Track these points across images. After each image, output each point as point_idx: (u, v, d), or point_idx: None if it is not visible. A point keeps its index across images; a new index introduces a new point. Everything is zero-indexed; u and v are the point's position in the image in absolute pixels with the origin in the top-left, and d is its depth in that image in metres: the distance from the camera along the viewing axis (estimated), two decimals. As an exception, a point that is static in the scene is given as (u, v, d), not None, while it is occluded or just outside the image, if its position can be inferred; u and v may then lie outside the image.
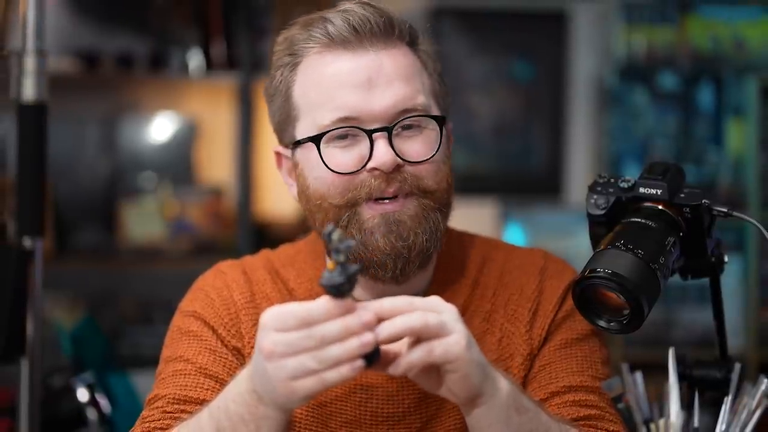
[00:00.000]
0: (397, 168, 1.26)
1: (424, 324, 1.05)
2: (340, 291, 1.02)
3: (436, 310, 1.07)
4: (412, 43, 1.33)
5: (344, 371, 1.02)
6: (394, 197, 1.27)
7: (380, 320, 1.05)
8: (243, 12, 3.46)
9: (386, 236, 1.26)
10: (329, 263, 1.02)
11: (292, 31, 1.33)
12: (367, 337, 1.02)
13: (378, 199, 1.27)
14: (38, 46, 1.89)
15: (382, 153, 1.25)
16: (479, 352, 1.10)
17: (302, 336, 1.02)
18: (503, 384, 1.13)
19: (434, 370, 1.09)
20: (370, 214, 1.27)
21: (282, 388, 1.04)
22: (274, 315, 1.05)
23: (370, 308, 1.04)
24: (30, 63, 1.88)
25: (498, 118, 3.67)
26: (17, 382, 1.88)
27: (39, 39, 1.90)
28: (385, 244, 1.26)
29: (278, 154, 1.39)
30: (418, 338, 1.06)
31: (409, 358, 1.06)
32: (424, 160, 1.28)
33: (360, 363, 1.03)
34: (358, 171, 1.27)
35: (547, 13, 3.65)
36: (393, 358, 1.07)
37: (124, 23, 3.54)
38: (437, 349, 1.05)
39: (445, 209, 1.32)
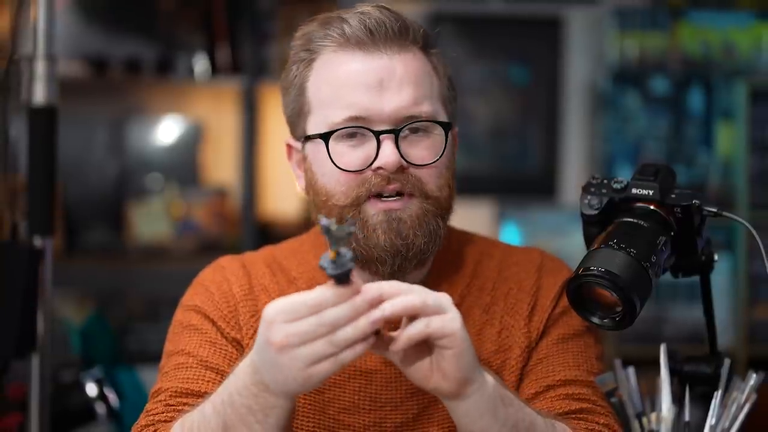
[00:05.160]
0: (401, 169, 1.28)
1: (423, 302, 1.07)
2: (347, 277, 1.04)
3: (433, 294, 1.09)
4: (425, 48, 1.33)
5: (358, 349, 1.04)
6: (397, 195, 1.28)
7: (382, 301, 1.06)
8: (247, 17, 3.46)
9: (387, 233, 1.27)
10: (330, 253, 1.04)
11: (310, 27, 1.34)
12: (376, 314, 1.04)
13: (381, 197, 1.28)
14: (48, 51, 1.91)
15: (388, 154, 1.27)
16: (469, 339, 1.10)
17: (315, 323, 1.03)
18: (489, 376, 1.14)
19: (426, 355, 1.10)
20: (374, 211, 1.28)
21: (300, 376, 1.05)
22: (281, 308, 1.05)
23: (372, 289, 1.06)
24: (40, 67, 1.89)
25: (494, 121, 3.66)
26: (28, 377, 1.89)
27: (49, 44, 1.91)
28: (385, 241, 1.27)
29: (289, 146, 1.40)
30: (416, 317, 1.08)
31: (408, 332, 1.07)
32: (428, 164, 1.29)
33: (372, 339, 1.05)
34: (363, 170, 1.28)
35: (542, 20, 3.64)
36: (389, 342, 1.08)
37: (132, 29, 3.54)
38: (435, 322, 1.07)
39: (445, 214, 1.33)
